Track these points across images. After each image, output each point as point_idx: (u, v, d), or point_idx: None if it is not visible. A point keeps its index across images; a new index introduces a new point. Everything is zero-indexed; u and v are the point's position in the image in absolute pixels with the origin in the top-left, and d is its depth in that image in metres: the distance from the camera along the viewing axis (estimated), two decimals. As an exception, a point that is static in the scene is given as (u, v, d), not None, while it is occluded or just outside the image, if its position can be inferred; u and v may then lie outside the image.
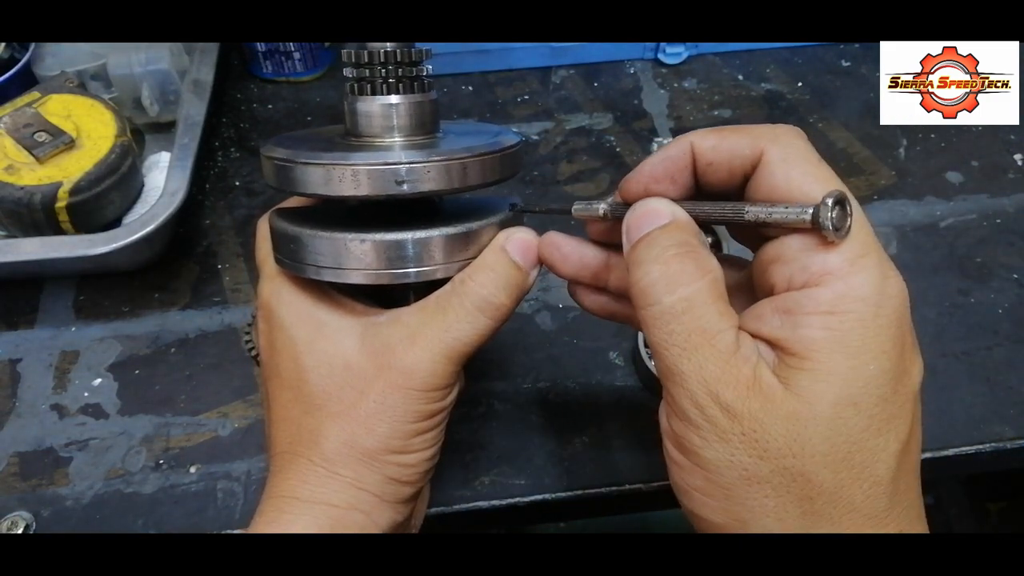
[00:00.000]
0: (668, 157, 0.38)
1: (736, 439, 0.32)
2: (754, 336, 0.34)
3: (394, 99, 0.43)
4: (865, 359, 0.32)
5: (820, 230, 0.32)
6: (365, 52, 0.42)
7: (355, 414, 0.40)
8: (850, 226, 0.33)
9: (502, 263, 0.41)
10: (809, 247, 0.33)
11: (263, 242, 0.46)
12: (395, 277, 0.41)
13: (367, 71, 0.43)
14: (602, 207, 0.40)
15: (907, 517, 0.33)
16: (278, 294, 0.44)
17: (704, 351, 0.33)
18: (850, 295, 0.32)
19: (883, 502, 0.33)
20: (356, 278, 0.41)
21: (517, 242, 0.42)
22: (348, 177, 0.39)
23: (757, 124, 0.37)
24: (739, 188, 0.37)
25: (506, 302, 0.41)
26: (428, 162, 0.39)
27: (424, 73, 0.43)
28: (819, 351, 0.32)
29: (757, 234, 0.37)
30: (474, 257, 0.42)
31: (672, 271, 0.34)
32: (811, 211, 0.32)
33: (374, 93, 0.43)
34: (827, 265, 0.33)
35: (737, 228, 0.40)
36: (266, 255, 0.45)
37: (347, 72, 0.43)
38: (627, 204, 0.38)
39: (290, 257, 0.42)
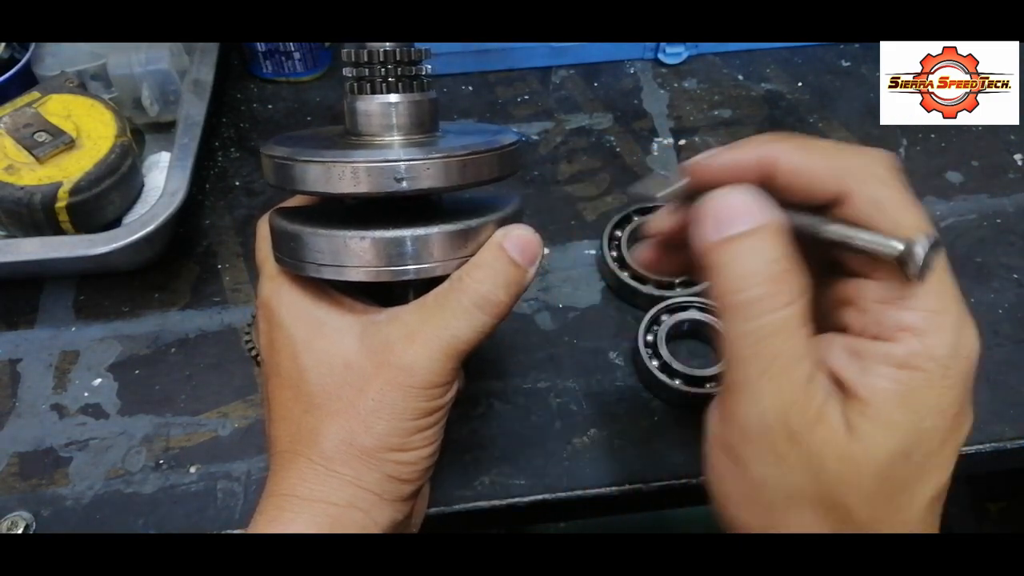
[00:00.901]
0: (740, 162, 0.36)
1: (792, 461, 0.33)
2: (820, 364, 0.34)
3: (393, 98, 0.43)
4: (924, 415, 0.33)
5: (904, 268, 0.31)
6: (364, 51, 0.42)
7: (354, 412, 0.40)
8: (930, 272, 0.32)
9: (500, 260, 0.41)
10: (887, 299, 0.33)
11: (263, 242, 0.46)
12: (394, 275, 0.41)
13: (366, 70, 0.43)
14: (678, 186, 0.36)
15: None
16: (277, 293, 0.44)
17: (784, 376, 0.33)
18: (923, 354, 0.32)
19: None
20: (355, 276, 0.41)
21: (515, 239, 0.42)
22: (347, 174, 0.39)
23: (847, 146, 0.35)
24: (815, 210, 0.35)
25: (504, 299, 0.41)
26: (427, 159, 0.39)
27: (423, 72, 0.43)
28: (884, 401, 0.33)
29: (824, 255, 0.36)
30: (473, 255, 0.42)
31: (769, 291, 0.33)
32: (902, 246, 0.31)
33: (373, 92, 0.43)
34: (903, 322, 0.33)
35: (804, 243, 0.35)
36: (266, 255, 0.45)
37: (347, 71, 0.43)
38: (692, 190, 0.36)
39: (290, 255, 0.42)
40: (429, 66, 0.44)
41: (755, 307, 0.33)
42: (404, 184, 0.39)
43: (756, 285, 0.33)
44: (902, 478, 0.33)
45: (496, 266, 0.41)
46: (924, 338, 0.32)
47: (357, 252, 0.40)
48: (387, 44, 0.42)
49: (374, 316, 0.42)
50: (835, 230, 0.33)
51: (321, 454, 0.40)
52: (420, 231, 0.40)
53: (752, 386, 0.33)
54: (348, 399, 0.41)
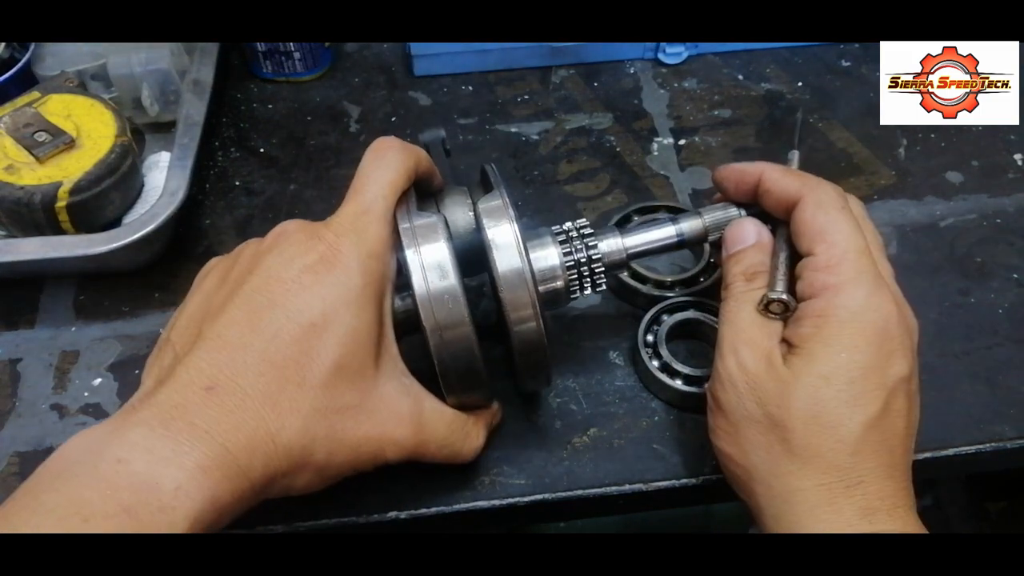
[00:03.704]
0: (744, 171, 0.51)
1: (745, 392, 0.44)
2: None
3: (556, 257, 0.50)
4: (839, 349, 0.42)
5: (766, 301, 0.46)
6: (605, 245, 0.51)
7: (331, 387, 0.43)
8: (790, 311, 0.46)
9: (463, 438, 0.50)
10: (818, 267, 0.45)
11: (391, 189, 0.46)
12: (422, 319, 0.45)
13: (585, 258, 0.51)
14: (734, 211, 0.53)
15: (873, 474, 0.41)
16: (376, 245, 0.45)
17: (744, 333, 0.46)
18: (837, 305, 0.43)
19: (845, 458, 0.41)
20: (418, 287, 0.44)
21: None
22: (503, 241, 0.46)
23: (809, 174, 0.49)
24: (781, 214, 0.49)
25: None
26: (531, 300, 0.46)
27: (599, 278, 0.51)
28: (806, 340, 0.43)
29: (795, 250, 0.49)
30: (458, 391, 0.49)
31: (746, 283, 0.48)
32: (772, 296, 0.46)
33: (562, 242, 0.51)
34: (827, 282, 0.44)
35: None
36: (389, 205, 0.46)
37: (570, 232, 0.51)
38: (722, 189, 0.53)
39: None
40: (604, 283, 0.51)
41: (737, 289, 0.48)
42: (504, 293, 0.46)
43: (739, 276, 0.48)
44: (827, 399, 0.42)
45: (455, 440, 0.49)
46: (839, 294, 0.43)
47: (439, 280, 0.45)
48: (607, 257, 0.51)
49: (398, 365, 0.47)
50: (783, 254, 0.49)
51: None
52: (462, 321, 0.45)
53: (727, 346, 0.46)
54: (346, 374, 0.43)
